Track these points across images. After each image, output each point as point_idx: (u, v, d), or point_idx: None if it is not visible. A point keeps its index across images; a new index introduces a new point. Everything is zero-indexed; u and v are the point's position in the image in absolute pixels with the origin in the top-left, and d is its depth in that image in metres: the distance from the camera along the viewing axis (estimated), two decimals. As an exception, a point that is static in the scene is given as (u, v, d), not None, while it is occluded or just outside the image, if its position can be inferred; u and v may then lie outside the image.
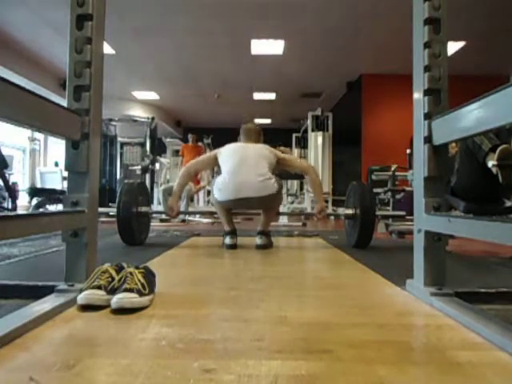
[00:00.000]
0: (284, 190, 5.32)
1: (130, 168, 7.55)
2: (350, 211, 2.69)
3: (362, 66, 7.44)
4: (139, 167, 6.29)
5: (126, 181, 2.97)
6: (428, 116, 1.26)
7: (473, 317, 0.98)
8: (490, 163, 2.08)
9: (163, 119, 10.33)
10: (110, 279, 1.13)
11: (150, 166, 6.08)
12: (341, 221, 6.53)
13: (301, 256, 2.53)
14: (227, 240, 2.50)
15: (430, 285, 1.24)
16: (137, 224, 2.62)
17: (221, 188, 2.45)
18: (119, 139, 7.88)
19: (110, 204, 6.33)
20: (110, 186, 7.49)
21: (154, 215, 2.81)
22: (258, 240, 2.52)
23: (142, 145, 7.10)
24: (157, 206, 6.12)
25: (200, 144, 6.96)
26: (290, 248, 2.80)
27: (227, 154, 2.53)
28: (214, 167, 3.40)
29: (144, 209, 2.73)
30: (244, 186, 2.37)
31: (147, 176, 6.45)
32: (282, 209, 5.21)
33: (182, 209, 5.38)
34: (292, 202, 8.08)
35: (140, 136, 7.31)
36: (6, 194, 5.68)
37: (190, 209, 5.71)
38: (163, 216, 5.52)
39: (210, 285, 1.52)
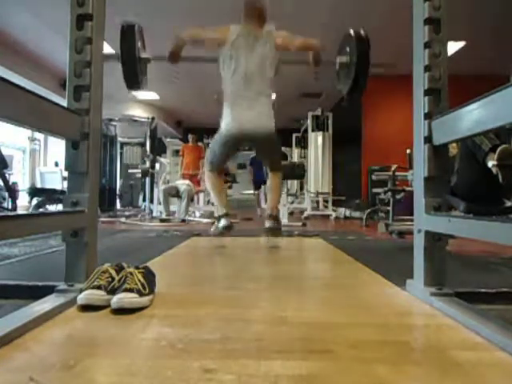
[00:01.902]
0: (284, 190, 5.32)
1: (130, 171, 7.56)
2: (344, 58, 2.51)
3: (362, 66, 7.43)
4: (138, 170, 6.28)
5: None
6: (428, 116, 1.26)
7: (473, 317, 0.98)
8: (490, 163, 2.08)
9: (163, 119, 10.33)
10: (109, 279, 1.13)
11: (150, 170, 6.07)
12: (341, 221, 6.53)
13: (301, 256, 2.53)
14: (222, 222, 2.40)
15: (430, 285, 1.24)
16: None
17: (226, 121, 2.38)
18: (119, 139, 7.88)
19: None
20: (109, 186, 7.49)
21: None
22: (267, 223, 2.46)
23: (142, 145, 7.11)
24: (157, 206, 6.12)
25: (200, 144, 6.96)
26: (290, 248, 2.80)
27: (231, 56, 2.38)
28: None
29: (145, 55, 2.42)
30: (248, 117, 2.33)
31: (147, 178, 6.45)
32: (282, 209, 5.22)
33: (182, 209, 5.39)
34: (292, 202, 8.08)
35: (140, 136, 7.32)
36: (6, 194, 5.69)
37: (190, 209, 5.72)
38: (163, 216, 5.54)
39: (210, 285, 1.52)
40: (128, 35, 2.19)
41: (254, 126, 2.35)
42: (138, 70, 2.26)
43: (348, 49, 2.45)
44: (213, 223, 2.63)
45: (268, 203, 2.61)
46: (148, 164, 6.08)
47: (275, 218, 2.52)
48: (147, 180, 6.53)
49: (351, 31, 2.40)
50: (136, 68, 2.24)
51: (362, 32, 2.34)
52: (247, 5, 2.47)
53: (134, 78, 2.27)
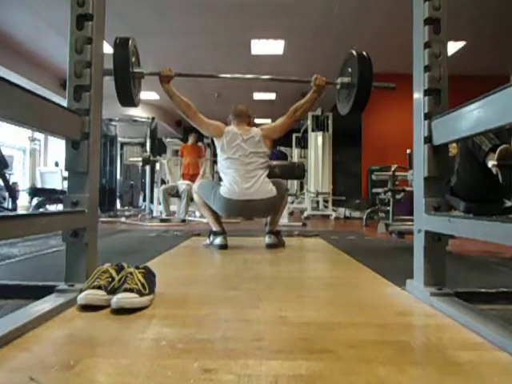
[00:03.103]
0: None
1: (131, 159, 7.55)
2: (346, 79, 2.50)
3: (362, 66, 7.44)
4: (140, 159, 6.29)
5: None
6: (428, 116, 1.26)
7: (473, 317, 0.98)
8: (490, 163, 2.08)
9: (163, 119, 10.33)
10: (110, 279, 1.13)
11: (151, 158, 6.08)
12: (341, 221, 6.53)
13: (301, 256, 2.53)
14: (218, 240, 2.48)
15: (430, 285, 1.24)
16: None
17: (225, 190, 2.48)
18: (119, 139, 7.87)
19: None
20: (109, 186, 7.48)
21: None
22: (267, 239, 2.56)
23: (142, 145, 7.11)
24: (157, 206, 6.12)
25: (200, 144, 6.95)
26: (290, 248, 2.79)
27: (228, 150, 2.56)
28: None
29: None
30: (248, 191, 2.44)
31: (147, 174, 6.45)
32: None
33: (182, 209, 5.39)
34: (292, 202, 8.07)
35: (140, 136, 7.32)
36: (6, 194, 5.69)
37: (190, 209, 5.72)
38: (164, 216, 5.54)
39: (210, 285, 1.52)
40: (122, 50, 2.09)
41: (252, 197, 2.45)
42: (132, 87, 2.18)
43: (350, 70, 2.45)
44: (208, 235, 2.61)
45: (270, 220, 2.63)
46: (149, 152, 6.09)
47: (276, 233, 2.60)
48: (147, 180, 6.53)
49: (353, 52, 2.42)
50: (130, 85, 2.15)
51: (364, 54, 2.35)
52: (236, 112, 2.75)
53: (128, 95, 2.18)
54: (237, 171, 2.50)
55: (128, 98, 2.19)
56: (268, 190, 2.48)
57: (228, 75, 3.20)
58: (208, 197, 2.55)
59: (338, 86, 2.54)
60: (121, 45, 2.09)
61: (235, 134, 2.61)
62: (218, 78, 3.01)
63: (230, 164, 2.54)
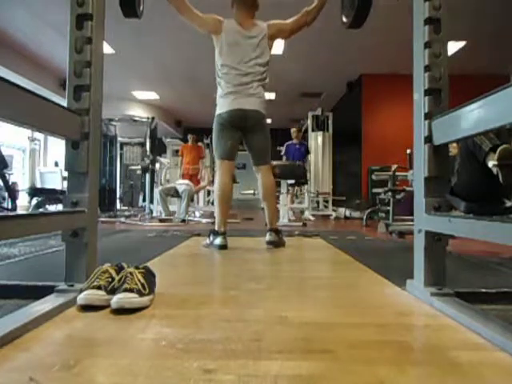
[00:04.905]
0: (284, 190, 5.32)
1: (130, 168, 7.55)
2: None
3: (362, 66, 7.44)
4: (139, 167, 6.28)
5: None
6: (428, 116, 1.26)
7: (473, 317, 0.97)
8: (491, 163, 2.08)
9: (163, 119, 10.34)
10: (109, 279, 1.13)
11: (150, 166, 6.07)
12: (341, 221, 6.53)
13: (301, 256, 2.53)
14: (218, 240, 2.43)
15: (430, 285, 1.24)
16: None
17: (221, 103, 2.47)
18: (119, 139, 7.89)
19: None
20: (109, 186, 7.48)
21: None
22: (267, 236, 2.54)
23: (142, 145, 7.11)
24: (157, 206, 6.12)
25: (200, 144, 6.96)
26: (290, 248, 2.79)
27: (226, 54, 2.46)
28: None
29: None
30: (243, 99, 2.43)
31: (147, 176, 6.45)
32: (281, 209, 5.22)
33: (182, 209, 5.39)
34: (292, 202, 8.07)
35: (140, 136, 7.32)
36: (6, 194, 5.68)
37: (190, 209, 5.72)
38: (163, 216, 5.54)
39: (210, 285, 1.52)
40: None
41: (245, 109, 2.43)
42: None
43: None
44: (208, 235, 2.55)
45: (266, 215, 2.59)
46: (148, 161, 6.08)
47: (276, 231, 2.56)
48: (147, 180, 6.52)
49: None
50: None
51: None
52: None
53: (131, 3, 1.99)
54: (231, 81, 2.44)
55: (131, 8, 2.01)
56: (257, 103, 2.46)
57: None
58: (217, 143, 2.53)
59: None
60: None
61: (236, 32, 2.47)
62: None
63: (226, 71, 2.46)
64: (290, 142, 6.93)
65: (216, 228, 2.51)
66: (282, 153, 6.88)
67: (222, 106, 2.48)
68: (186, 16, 2.42)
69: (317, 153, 7.44)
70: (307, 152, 6.89)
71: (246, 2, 2.52)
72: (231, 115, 2.45)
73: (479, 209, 2.25)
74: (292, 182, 6.01)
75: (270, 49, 2.55)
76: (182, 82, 8.32)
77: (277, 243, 2.52)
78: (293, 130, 7.02)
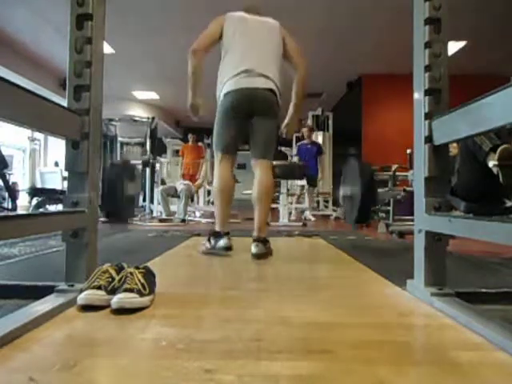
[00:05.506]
0: (284, 190, 5.32)
1: (132, 162, 7.54)
2: (348, 189, 2.57)
3: (362, 66, 7.44)
4: (139, 161, 6.27)
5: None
6: (428, 116, 1.26)
7: (473, 317, 0.97)
8: (491, 163, 2.08)
9: (163, 119, 10.33)
10: (110, 279, 1.13)
11: (151, 160, 6.06)
12: (341, 221, 6.53)
13: (301, 256, 2.53)
14: (223, 242, 2.15)
15: (430, 285, 1.24)
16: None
17: (227, 85, 2.17)
18: (119, 139, 7.88)
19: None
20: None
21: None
22: (253, 248, 2.10)
23: (142, 145, 7.11)
24: (157, 206, 6.12)
25: (200, 144, 6.95)
26: (290, 248, 2.80)
27: (234, 33, 2.20)
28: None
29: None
30: (250, 79, 2.12)
31: (147, 175, 6.44)
32: (281, 209, 5.22)
33: (181, 209, 5.39)
34: (291, 203, 8.07)
35: (140, 136, 7.32)
36: (6, 194, 5.68)
37: (190, 208, 5.72)
38: (164, 216, 5.54)
39: (210, 285, 1.52)
40: None
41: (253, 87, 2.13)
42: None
43: (352, 181, 2.50)
44: (208, 239, 2.26)
45: (256, 219, 2.19)
46: (148, 155, 6.06)
47: (263, 241, 2.13)
48: (147, 180, 6.52)
49: (353, 162, 2.47)
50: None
51: (366, 167, 2.41)
52: (246, 4, 2.39)
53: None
54: (243, 45, 2.14)
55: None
56: (271, 83, 2.14)
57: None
58: (218, 132, 2.26)
59: (341, 200, 2.74)
60: None
61: (243, 17, 2.24)
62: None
63: (233, 49, 2.17)
64: (301, 142, 6.76)
65: (217, 229, 2.24)
66: (294, 153, 6.68)
67: (228, 86, 2.17)
68: (206, 50, 2.29)
69: (317, 153, 7.44)
70: (320, 152, 6.64)
71: (252, 8, 2.39)
72: (237, 97, 2.13)
73: (479, 209, 2.25)
74: (303, 183, 5.96)
75: (283, 46, 2.29)
76: (182, 82, 8.30)
77: (265, 255, 2.09)
78: (304, 129, 6.80)
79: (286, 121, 2.40)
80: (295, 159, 6.39)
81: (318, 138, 7.54)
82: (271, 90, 2.19)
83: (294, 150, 6.77)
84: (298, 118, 2.33)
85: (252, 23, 2.27)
